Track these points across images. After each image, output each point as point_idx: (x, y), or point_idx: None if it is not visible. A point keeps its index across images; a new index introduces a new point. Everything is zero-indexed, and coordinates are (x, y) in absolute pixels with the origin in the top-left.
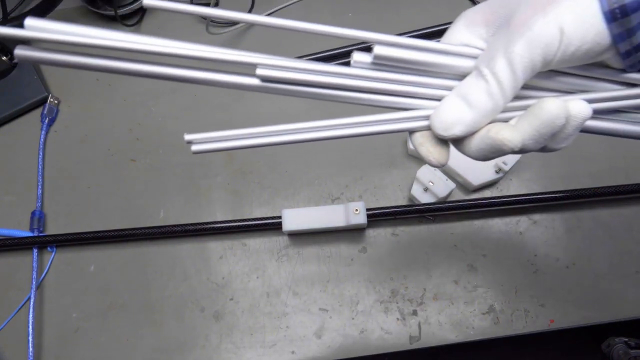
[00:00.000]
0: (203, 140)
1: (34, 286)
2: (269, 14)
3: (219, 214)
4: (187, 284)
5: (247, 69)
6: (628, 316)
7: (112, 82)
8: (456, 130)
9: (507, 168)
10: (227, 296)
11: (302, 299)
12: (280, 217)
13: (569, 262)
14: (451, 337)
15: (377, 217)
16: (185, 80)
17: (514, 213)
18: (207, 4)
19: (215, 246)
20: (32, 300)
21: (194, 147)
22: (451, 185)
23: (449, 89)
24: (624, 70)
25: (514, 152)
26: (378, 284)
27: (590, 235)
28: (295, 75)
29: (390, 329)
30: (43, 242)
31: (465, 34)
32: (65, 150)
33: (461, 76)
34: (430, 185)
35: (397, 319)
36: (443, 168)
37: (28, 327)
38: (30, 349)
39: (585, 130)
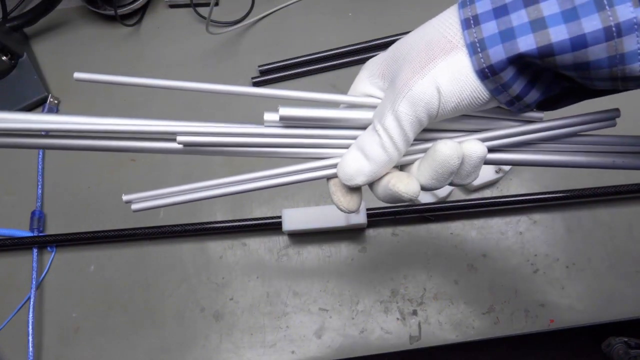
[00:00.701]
0: (141, 199)
1: (33, 286)
2: (269, 14)
3: (219, 214)
4: (187, 284)
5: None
6: (628, 316)
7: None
8: (358, 181)
9: (507, 168)
10: (227, 296)
11: (302, 298)
12: (280, 217)
13: (569, 262)
14: (451, 337)
15: (377, 217)
16: (112, 149)
17: (514, 213)
18: (207, 4)
19: (215, 246)
20: (32, 300)
21: (134, 207)
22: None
23: (355, 138)
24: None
25: (412, 199)
26: (378, 284)
27: (590, 235)
28: (213, 139)
29: (390, 328)
30: (43, 242)
31: (367, 85)
32: (65, 150)
33: (364, 126)
34: None
35: (397, 318)
36: None
37: (28, 327)
38: (30, 348)
39: (496, 163)
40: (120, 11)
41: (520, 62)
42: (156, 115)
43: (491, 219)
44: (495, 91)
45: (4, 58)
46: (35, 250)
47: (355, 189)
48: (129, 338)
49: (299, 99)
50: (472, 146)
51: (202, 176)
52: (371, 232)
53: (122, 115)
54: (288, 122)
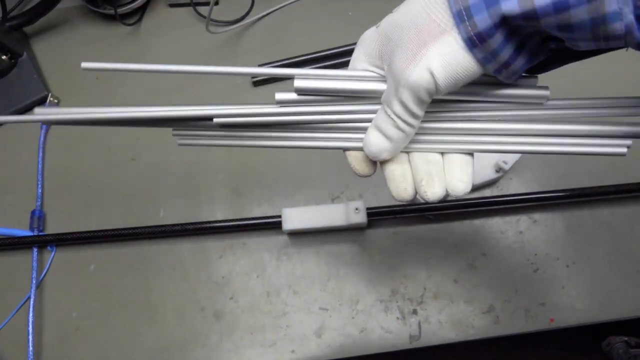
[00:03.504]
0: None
1: (33, 285)
2: (269, 13)
3: (219, 213)
4: (187, 283)
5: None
6: (628, 315)
7: (112, 81)
8: (384, 156)
9: (507, 167)
10: (227, 295)
11: (302, 298)
12: (280, 217)
13: (569, 261)
14: (451, 336)
15: (377, 216)
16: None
17: (514, 212)
18: (207, 3)
19: (215, 245)
20: (32, 299)
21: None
22: None
23: (368, 112)
24: (507, 85)
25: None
26: (378, 283)
27: (590, 234)
28: (243, 119)
29: (391, 328)
30: (43, 242)
31: (365, 63)
32: (65, 149)
33: (376, 97)
34: None
35: (397, 318)
36: None
37: (28, 326)
38: (30, 348)
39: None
40: (120, 10)
41: (507, 28)
42: None
43: (491, 218)
44: (484, 60)
45: (3, 57)
46: (35, 250)
47: (368, 161)
48: (129, 337)
49: (310, 75)
50: (455, 188)
51: (203, 175)
52: (371, 232)
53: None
54: (303, 94)
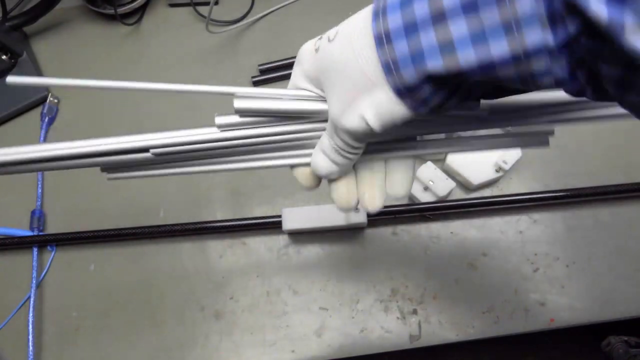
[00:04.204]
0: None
1: (34, 285)
2: (269, 12)
3: (219, 213)
4: (187, 283)
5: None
6: (628, 315)
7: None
8: (333, 177)
9: (507, 167)
10: (227, 295)
11: (302, 297)
12: (280, 216)
13: (569, 261)
14: (451, 336)
15: (377, 216)
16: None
17: (514, 212)
18: (207, 3)
19: (215, 245)
20: (32, 299)
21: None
22: (451, 184)
23: (317, 130)
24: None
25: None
26: (378, 283)
27: (590, 234)
28: (179, 147)
29: (391, 328)
30: (43, 241)
31: (304, 82)
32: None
33: (320, 118)
34: (431, 184)
35: (397, 318)
36: (443, 167)
37: (28, 326)
38: (30, 348)
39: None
40: (120, 10)
41: (435, 81)
42: (156, 113)
43: (491, 218)
44: (416, 107)
45: (3, 57)
46: (35, 250)
47: (314, 176)
48: (129, 337)
49: (251, 94)
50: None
51: (203, 175)
52: (371, 232)
53: (114, 122)
54: (244, 115)
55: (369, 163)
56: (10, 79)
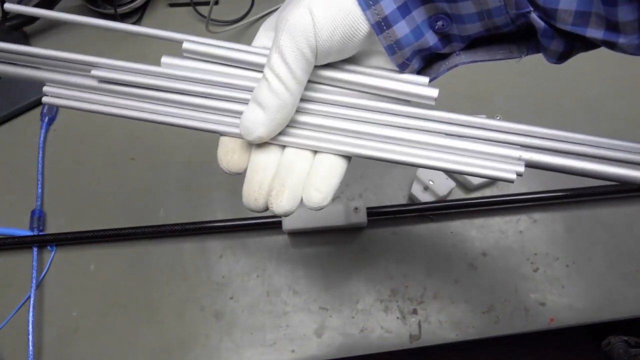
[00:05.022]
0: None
1: (34, 285)
2: (269, 12)
3: (219, 213)
4: (187, 283)
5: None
6: (628, 315)
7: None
8: (258, 133)
9: None
10: (227, 295)
11: (302, 297)
12: (280, 216)
13: (569, 261)
14: (451, 336)
15: (377, 216)
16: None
17: (514, 212)
18: (207, 3)
19: (215, 245)
20: (32, 299)
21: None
22: (451, 184)
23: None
24: (399, 72)
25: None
26: (378, 283)
27: (590, 234)
28: (124, 77)
29: (391, 327)
30: (43, 241)
31: (263, 39)
32: (65, 149)
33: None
34: (431, 184)
35: (397, 317)
36: None
37: (28, 326)
38: (31, 347)
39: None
40: (120, 10)
41: None
42: None
43: (491, 218)
44: (377, 26)
45: None
46: (35, 250)
47: (238, 150)
48: (129, 337)
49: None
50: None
51: (203, 175)
52: (371, 232)
53: None
54: (191, 58)
55: (291, 160)
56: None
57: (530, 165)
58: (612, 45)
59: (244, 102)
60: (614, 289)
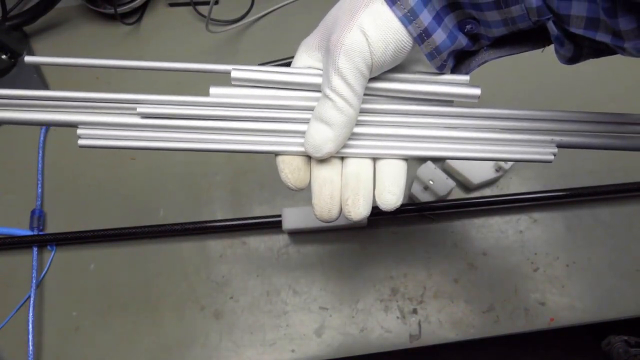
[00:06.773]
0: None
1: (34, 285)
2: (269, 12)
3: (219, 213)
4: (187, 283)
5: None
6: (628, 314)
7: (111, 80)
8: (327, 149)
9: (507, 166)
10: (227, 295)
11: (302, 297)
12: (280, 216)
13: (569, 261)
14: (451, 335)
15: (377, 216)
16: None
17: (514, 211)
18: (207, 3)
19: (215, 245)
20: (32, 299)
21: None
22: (451, 183)
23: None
24: (439, 74)
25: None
26: (378, 283)
27: (590, 234)
28: (170, 110)
29: (391, 327)
30: (43, 241)
31: (306, 59)
32: (65, 149)
33: (315, 90)
34: (431, 184)
35: (397, 317)
36: (443, 166)
37: (28, 325)
38: (31, 347)
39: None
40: (120, 10)
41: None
42: None
43: (491, 218)
44: (405, 18)
45: (3, 57)
46: (35, 249)
47: (302, 167)
48: (129, 337)
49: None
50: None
51: (203, 175)
52: (371, 231)
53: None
54: (239, 85)
55: (356, 168)
56: (28, 59)
57: (561, 145)
58: (621, 49)
59: (299, 121)
60: (614, 289)
